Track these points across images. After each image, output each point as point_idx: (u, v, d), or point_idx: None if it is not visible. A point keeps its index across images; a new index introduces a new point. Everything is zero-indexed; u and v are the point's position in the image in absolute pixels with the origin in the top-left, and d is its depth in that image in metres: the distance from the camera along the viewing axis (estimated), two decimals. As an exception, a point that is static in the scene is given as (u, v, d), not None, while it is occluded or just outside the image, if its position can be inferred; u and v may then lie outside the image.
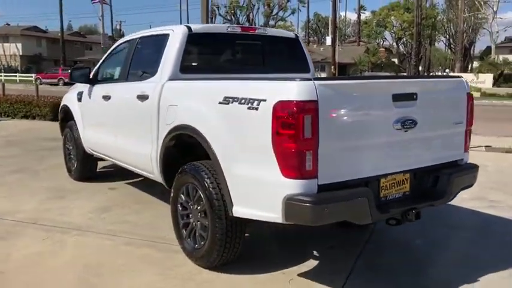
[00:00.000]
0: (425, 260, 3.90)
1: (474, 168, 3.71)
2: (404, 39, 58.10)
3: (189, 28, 4.16)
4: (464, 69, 50.56)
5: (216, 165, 3.33)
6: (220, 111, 3.29)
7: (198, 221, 3.63)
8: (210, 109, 3.40)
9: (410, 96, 3.20)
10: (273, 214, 2.94)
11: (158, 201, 5.45)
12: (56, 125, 7.61)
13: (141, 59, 4.85)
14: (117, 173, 6.71)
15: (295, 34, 4.98)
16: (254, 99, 2.98)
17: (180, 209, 3.85)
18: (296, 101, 2.73)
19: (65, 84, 39.27)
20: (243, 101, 3.08)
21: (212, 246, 3.45)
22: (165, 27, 4.44)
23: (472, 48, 60.81)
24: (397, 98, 3.12)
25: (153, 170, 4.29)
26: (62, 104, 6.56)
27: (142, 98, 4.28)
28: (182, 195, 3.80)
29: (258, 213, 3.09)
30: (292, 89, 2.78)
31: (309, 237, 4.37)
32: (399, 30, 55.30)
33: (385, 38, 57.85)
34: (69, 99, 6.25)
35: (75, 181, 6.32)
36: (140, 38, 4.86)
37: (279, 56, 4.90)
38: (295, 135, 2.74)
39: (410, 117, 3.17)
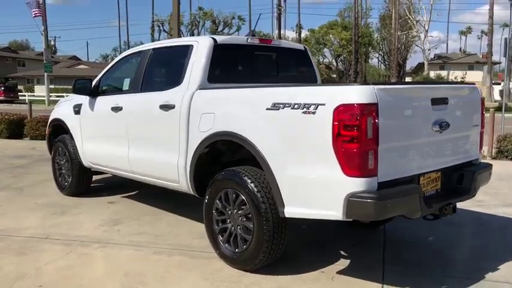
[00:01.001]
0: (443, 252, 4.22)
1: (489, 166, 4.09)
2: (343, 56, 60.47)
3: (214, 39, 4.28)
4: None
5: (265, 169, 3.45)
6: (268, 117, 3.43)
7: (239, 225, 3.72)
8: (256, 115, 3.53)
9: (443, 101, 3.51)
10: (332, 212, 3.11)
11: (164, 212, 5.46)
12: (18, 143, 7.36)
13: (158, 70, 4.89)
14: (110, 187, 6.65)
15: (304, 46, 5.22)
16: (310, 104, 3.15)
17: (216, 215, 3.92)
18: (359, 103, 2.94)
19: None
20: (296, 106, 3.24)
21: (258, 248, 3.55)
22: (185, 39, 4.55)
23: (405, 64, 63.98)
24: (435, 101, 3.42)
25: (178, 179, 4.32)
26: (52, 118, 6.38)
27: (167, 107, 4.32)
28: (218, 201, 3.88)
29: (314, 212, 3.26)
30: (354, 93, 2.99)
31: (327, 237, 4.58)
32: (338, 47, 57.50)
33: (325, 55, 59.93)
34: (63, 113, 6.10)
35: (68, 197, 6.14)
36: (153, 49, 4.90)
37: (290, 66, 5.11)
38: (358, 136, 2.94)
39: (444, 119, 3.48)
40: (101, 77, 5.55)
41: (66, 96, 13.43)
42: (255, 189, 3.53)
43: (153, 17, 51.60)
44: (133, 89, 4.98)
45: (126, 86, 5.25)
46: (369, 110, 2.95)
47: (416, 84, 3.92)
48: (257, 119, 3.53)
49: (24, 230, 4.83)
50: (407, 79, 63.95)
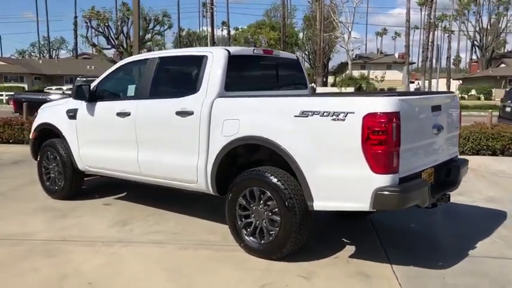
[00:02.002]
0: (428, 236, 4.94)
1: (467, 161, 4.88)
2: (271, 55, 61.75)
3: (228, 51, 4.68)
4: (324, 84, 55.69)
5: (294, 168, 3.93)
6: (297, 123, 3.92)
7: (264, 219, 4.18)
8: (284, 121, 4.00)
9: (439, 107, 4.21)
10: (360, 204, 3.68)
11: (164, 211, 5.71)
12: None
13: (169, 78, 5.18)
14: (98, 190, 6.72)
15: (296, 56, 5.75)
16: (340, 112, 3.68)
17: (240, 211, 4.34)
18: (386, 112, 3.53)
19: None
20: (325, 114, 3.76)
21: (286, 238, 4.04)
22: (196, 49, 4.89)
23: (328, 64, 66.53)
24: (433, 108, 4.10)
25: (196, 179, 4.67)
26: (39, 123, 6.41)
27: (185, 113, 4.66)
28: (242, 199, 4.31)
29: (341, 205, 3.82)
30: (381, 103, 3.58)
31: (324, 230, 5.12)
32: (266, 46, 58.77)
33: (253, 54, 61.03)
34: (55, 117, 6.17)
35: (59, 200, 6.20)
36: (160, 58, 5.18)
37: (287, 73, 5.60)
38: (385, 140, 3.53)
39: (440, 123, 4.16)
40: (99, 83, 5.71)
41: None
42: (282, 187, 4.00)
43: (75, 13, 49.67)
44: (140, 96, 5.22)
45: (131, 92, 5.49)
46: (393, 117, 3.54)
47: (422, 95, 4.58)
48: (285, 125, 4.00)
49: (36, 233, 4.93)
50: (330, 78, 66.82)
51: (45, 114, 6.45)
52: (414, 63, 58.32)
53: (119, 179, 5.73)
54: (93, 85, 5.69)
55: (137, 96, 5.30)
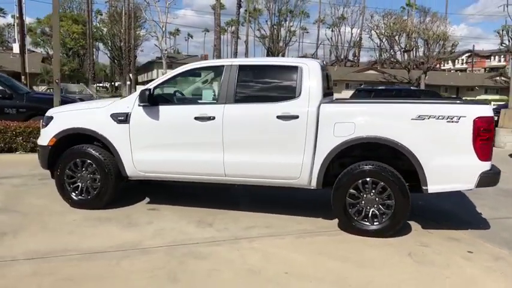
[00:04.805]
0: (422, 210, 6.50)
1: None
2: (74, 50, 58.19)
3: (319, 63, 5.42)
4: (137, 82, 55.13)
5: (413, 161, 4.95)
6: (414, 125, 4.95)
7: (375, 205, 5.09)
8: (402, 123, 4.99)
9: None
10: (468, 184, 4.97)
11: (222, 210, 6.00)
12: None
13: (257, 85, 5.54)
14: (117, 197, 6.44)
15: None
16: (453, 116, 4.88)
17: (350, 200, 5.15)
18: (490, 116, 4.87)
19: None
20: (440, 117, 4.90)
21: (399, 218, 5.05)
22: (286, 60, 5.47)
23: (135, 62, 65.50)
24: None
25: (299, 175, 5.28)
26: (66, 128, 5.87)
27: (289, 117, 5.21)
28: (353, 190, 5.13)
29: (451, 186, 5.02)
30: (485, 109, 4.90)
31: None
32: (70, 40, 55.05)
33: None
34: (92, 122, 5.77)
35: (96, 210, 5.83)
36: (240, 65, 5.51)
37: (330, 79, 6.42)
38: (490, 136, 4.86)
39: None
40: (157, 87, 5.67)
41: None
42: (399, 177, 4.99)
43: None
44: (223, 101, 5.45)
45: (208, 97, 5.63)
46: (492, 120, 4.91)
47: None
48: (404, 126, 4.99)
49: (144, 241, 4.82)
50: (140, 77, 66.24)
51: (71, 119, 5.94)
52: (217, 64, 61.79)
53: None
54: (151, 89, 5.60)
55: (219, 101, 5.50)
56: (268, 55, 60.39)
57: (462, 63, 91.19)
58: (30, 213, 5.71)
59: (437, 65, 59.56)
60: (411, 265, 4.42)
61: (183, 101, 5.91)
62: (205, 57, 72.75)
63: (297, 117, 5.22)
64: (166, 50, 50.33)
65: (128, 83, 50.49)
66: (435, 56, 47.90)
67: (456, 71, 79.13)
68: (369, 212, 5.14)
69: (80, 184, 5.89)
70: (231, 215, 5.82)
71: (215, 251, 4.61)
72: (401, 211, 5.03)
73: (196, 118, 5.45)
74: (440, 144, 4.98)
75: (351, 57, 70.96)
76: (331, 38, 66.11)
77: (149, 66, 68.66)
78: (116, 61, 62.07)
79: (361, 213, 5.16)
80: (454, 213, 6.38)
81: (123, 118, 5.67)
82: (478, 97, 54.14)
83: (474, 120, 4.87)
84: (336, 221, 5.59)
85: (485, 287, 4.02)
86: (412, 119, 4.99)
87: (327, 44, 71.14)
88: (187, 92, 6.05)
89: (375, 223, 5.13)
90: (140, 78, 67.19)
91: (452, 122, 4.91)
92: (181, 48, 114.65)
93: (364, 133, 5.08)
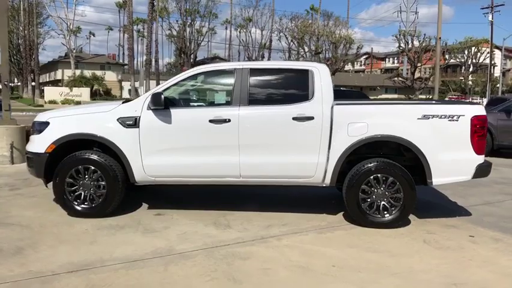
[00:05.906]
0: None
1: None
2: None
3: (327, 65, 5.70)
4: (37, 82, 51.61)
5: (420, 156, 5.41)
6: (420, 123, 5.42)
7: (386, 198, 5.49)
8: (410, 123, 5.43)
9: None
10: (466, 176, 5.55)
11: (230, 212, 6.06)
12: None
13: (270, 88, 5.67)
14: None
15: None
16: (454, 115, 5.42)
17: (362, 195, 5.51)
18: (484, 115, 5.49)
19: None
20: (442, 116, 5.42)
21: (408, 210, 5.51)
22: (295, 63, 5.66)
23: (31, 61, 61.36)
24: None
25: (314, 174, 5.53)
26: (67, 133, 5.55)
27: (304, 119, 5.43)
28: (365, 185, 5.49)
29: (451, 179, 5.57)
30: (479, 108, 5.51)
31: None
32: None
33: None
34: (97, 127, 5.53)
35: (101, 218, 5.59)
36: (251, 69, 5.61)
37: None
38: (484, 133, 5.48)
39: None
40: (167, 90, 5.60)
41: None
42: (407, 172, 5.45)
43: None
44: (237, 103, 5.51)
45: (220, 100, 5.64)
46: (486, 118, 5.53)
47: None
48: (411, 125, 5.44)
49: (170, 248, 4.74)
50: (41, 77, 62.14)
51: (74, 124, 5.63)
52: (127, 64, 59.93)
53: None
54: (160, 93, 5.50)
55: (233, 103, 5.55)
56: (180, 55, 59.78)
57: (360, 65, 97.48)
58: (32, 226, 5.33)
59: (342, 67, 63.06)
60: (433, 251, 4.86)
61: (194, 103, 5.88)
62: (113, 57, 70.20)
63: (312, 118, 5.46)
64: (75, 48, 47.90)
65: (33, 83, 47.16)
66: (342, 58, 50.70)
67: (356, 72, 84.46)
68: (380, 205, 5.53)
69: (83, 192, 5.60)
70: (241, 215, 5.90)
71: (253, 251, 4.69)
72: (410, 203, 5.48)
73: (211, 121, 5.47)
74: (443, 140, 5.50)
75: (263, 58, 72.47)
76: (243, 39, 66.96)
77: (52, 66, 64.68)
78: (13, 60, 57.72)
79: (372, 206, 5.53)
80: (436, 203, 7.01)
81: (131, 122, 5.51)
82: (379, 96, 58.24)
83: (471, 119, 5.45)
84: (341, 215, 5.95)
85: (503, 265, 4.56)
86: (418, 118, 5.46)
87: (235, 45, 71.94)
88: (196, 95, 6.01)
89: (385, 215, 5.53)
90: (41, 79, 62.98)
91: (453, 120, 5.45)
92: (84, 47, 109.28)
93: (379, 132, 5.45)
